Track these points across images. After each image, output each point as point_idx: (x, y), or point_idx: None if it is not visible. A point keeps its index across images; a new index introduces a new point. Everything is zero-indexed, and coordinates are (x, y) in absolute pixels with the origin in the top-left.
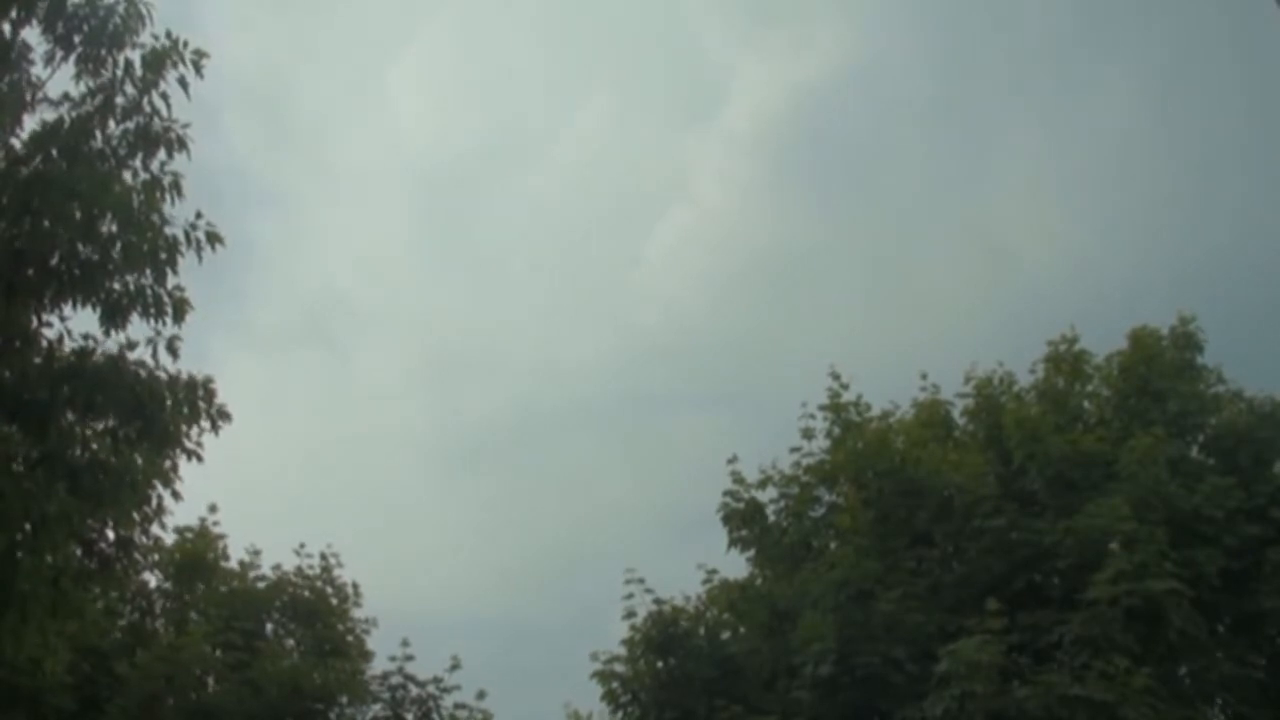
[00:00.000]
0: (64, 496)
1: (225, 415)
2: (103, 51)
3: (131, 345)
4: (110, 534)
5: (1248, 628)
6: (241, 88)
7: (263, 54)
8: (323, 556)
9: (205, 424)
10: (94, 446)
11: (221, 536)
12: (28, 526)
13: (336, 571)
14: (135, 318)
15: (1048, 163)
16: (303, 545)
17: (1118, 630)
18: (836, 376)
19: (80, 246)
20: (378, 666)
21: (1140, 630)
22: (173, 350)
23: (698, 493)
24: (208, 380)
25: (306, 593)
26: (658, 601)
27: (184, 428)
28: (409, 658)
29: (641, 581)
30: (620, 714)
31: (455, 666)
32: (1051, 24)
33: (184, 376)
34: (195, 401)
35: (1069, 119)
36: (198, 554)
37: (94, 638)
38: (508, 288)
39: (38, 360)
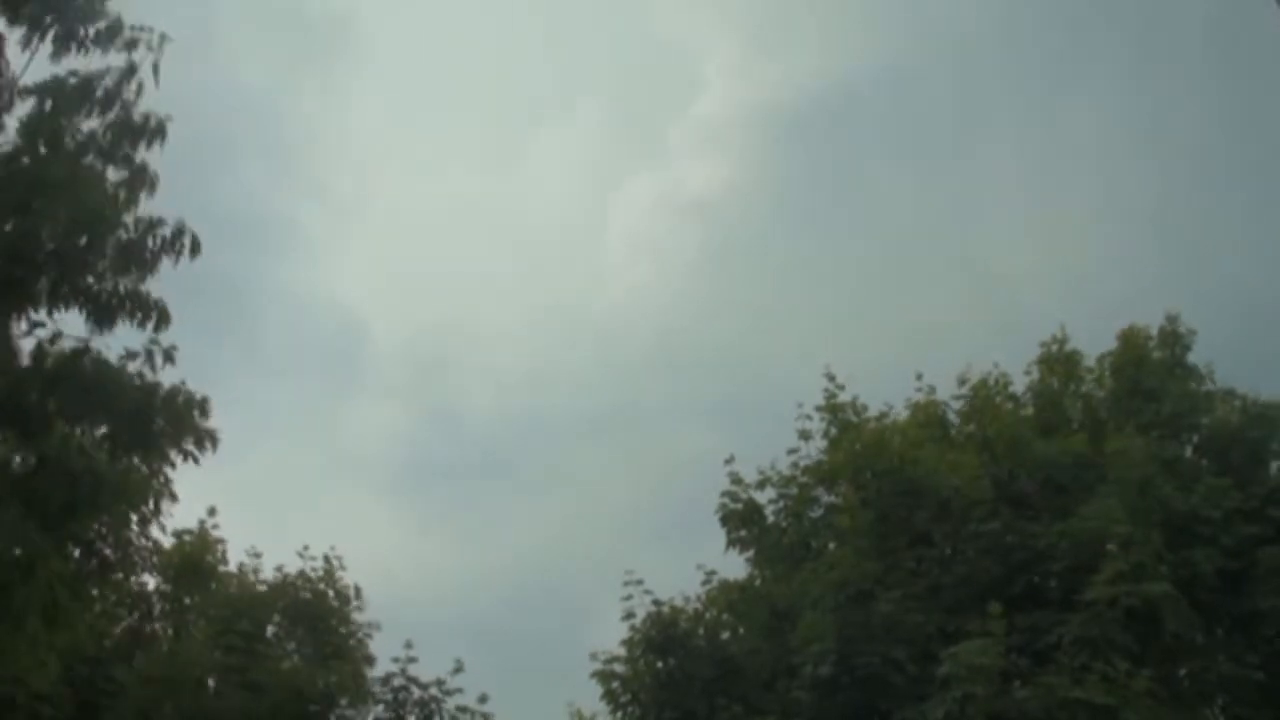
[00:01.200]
0: (59, 503)
1: (213, 439)
2: (77, 27)
3: (132, 355)
4: (107, 538)
5: (1245, 628)
6: (254, 121)
7: (268, 86)
8: (325, 559)
9: (191, 444)
10: (89, 453)
11: (220, 541)
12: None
13: (339, 574)
14: (123, 321)
15: (1038, 185)
16: (306, 547)
17: (1116, 631)
18: (832, 377)
19: (64, 245)
20: (380, 670)
21: (1138, 631)
22: (170, 358)
23: (680, 500)
24: (204, 400)
25: (308, 595)
26: (657, 603)
27: (173, 443)
28: (412, 659)
29: (640, 583)
30: (620, 714)
31: (458, 669)
32: (1042, 43)
33: (181, 392)
34: (187, 418)
35: (1060, 141)
36: (196, 557)
37: (90, 645)
38: (500, 298)
39: (28, 364)
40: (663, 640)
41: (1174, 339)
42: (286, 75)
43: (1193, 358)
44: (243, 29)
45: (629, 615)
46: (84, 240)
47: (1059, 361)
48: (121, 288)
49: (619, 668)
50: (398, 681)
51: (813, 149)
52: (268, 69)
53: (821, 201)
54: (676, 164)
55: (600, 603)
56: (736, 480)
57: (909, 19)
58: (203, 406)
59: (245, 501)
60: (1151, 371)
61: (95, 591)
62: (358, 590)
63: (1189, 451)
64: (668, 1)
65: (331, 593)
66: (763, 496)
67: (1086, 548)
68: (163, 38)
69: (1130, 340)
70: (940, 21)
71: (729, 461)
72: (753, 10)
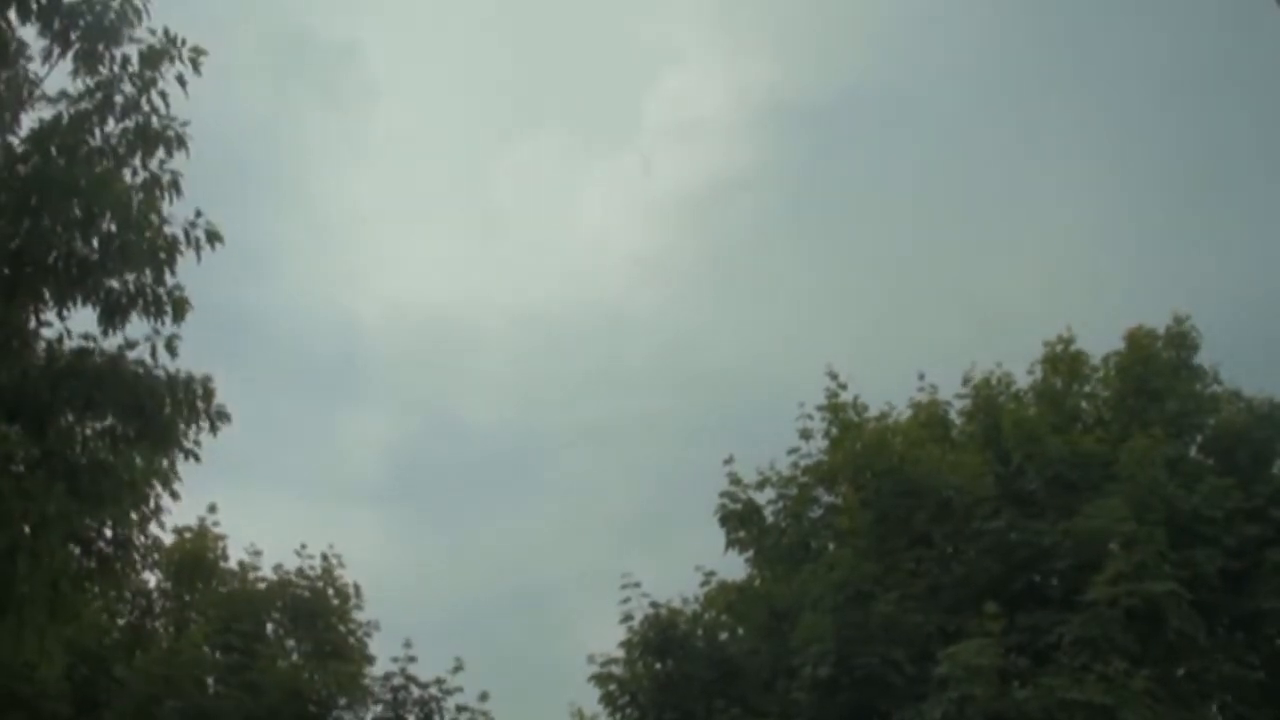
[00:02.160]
0: (62, 497)
1: (224, 415)
2: (100, 47)
3: (131, 344)
4: (109, 534)
5: (1246, 627)
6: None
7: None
8: (324, 557)
9: (204, 424)
10: (93, 446)
11: (221, 537)
12: (26, 528)
13: (338, 572)
14: (135, 317)
15: (1034, 202)
16: (304, 546)
17: (1117, 631)
18: (834, 376)
19: (79, 245)
20: (379, 669)
21: (1139, 631)
22: (171, 349)
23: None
24: (206, 379)
25: (307, 593)
26: (655, 605)
27: (183, 427)
28: (411, 659)
29: (638, 585)
30: (619, 716)
31: (458, 668)
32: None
33: (183, 375)
34: (194, 401)
35: (1055, 174)
36: (197, 554)
37: (91, 641)
38: (496, 307)
39: (38, 360)
40: (661, 642)
41: (1181, 340)
42: (288, 98)
43: (1199, 359)
44: (249, 54)
45: (627, 618)
46: (95, 241)
47: (1063, 361)
48: (131, 286)
49: (616, 669)
50: (397, 681)
51: (807, 158)
52: (270, 93)
53: (815, 209)
54: (666, 166)
55: (588, 608)
56: (735, 480)
57: (896, 34)
58: (205, 386)
59: (241, 510)
60: (1158, 372)
61: (96, 589)
62: (356, 588)
63: (1193, 451)
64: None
65: (331, 590)
66: (762, 497)
67: (1090, 547)
68: (197, 50)
69: (1137, 340)
70: (921, 35)
71: (728, 462)
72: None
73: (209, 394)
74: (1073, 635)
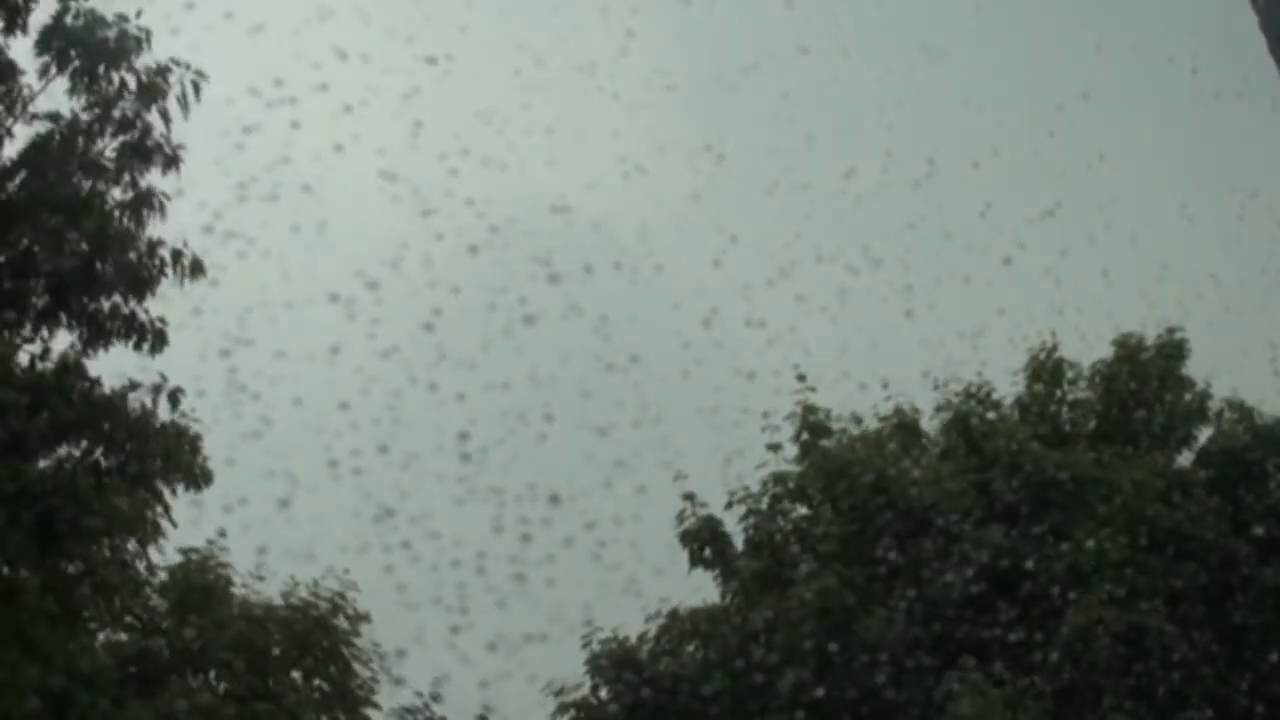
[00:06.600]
0: (32, 534)
1: (208, 477)
2: (100, 68)
3: (134, 386)
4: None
5: (1231, 644)
6: None
7: None
8: (338, 580)
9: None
10: (77, 483)
11: (225, 565)
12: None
13: (351, 594)
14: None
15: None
16: (324, 575)
17: (1101, 652)
18: (802, 378)
19: (60, 264)
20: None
21: (1124, 652)
22: (174, 401)
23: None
24: (196, 436)
25: (316, 614)
26: (617, 637)
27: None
28: (436, 697)
29: (600, 629)
30: None
31: (483, 717)
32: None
33: (174, 427)
34: (180, 453)
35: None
36: (202, 580)
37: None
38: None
39: (16, 380)
40: (626, 669)
41: (1176, 349)
42: None
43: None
44: None
45: (592, 656)
46: (80, 261)
47: (1046, 369)
48: (123, 310)
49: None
50: (422, 716)
51: None
52: None
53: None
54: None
55: None
56: (687, 496)
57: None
58: (193, 442)
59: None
60: (1146, 382)
61: (88, 612)
62: (366, 615)
63: (1185, 462)
64: None
65: (342, 615)
66: (731, 516)
67: (1076, 567)
68: (199, 74)
69: (1125, 348)
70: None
71: (678, 478)
72: None
73: (195, 450)
74: (1057, 657)
